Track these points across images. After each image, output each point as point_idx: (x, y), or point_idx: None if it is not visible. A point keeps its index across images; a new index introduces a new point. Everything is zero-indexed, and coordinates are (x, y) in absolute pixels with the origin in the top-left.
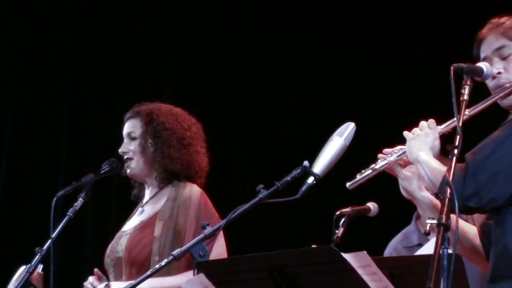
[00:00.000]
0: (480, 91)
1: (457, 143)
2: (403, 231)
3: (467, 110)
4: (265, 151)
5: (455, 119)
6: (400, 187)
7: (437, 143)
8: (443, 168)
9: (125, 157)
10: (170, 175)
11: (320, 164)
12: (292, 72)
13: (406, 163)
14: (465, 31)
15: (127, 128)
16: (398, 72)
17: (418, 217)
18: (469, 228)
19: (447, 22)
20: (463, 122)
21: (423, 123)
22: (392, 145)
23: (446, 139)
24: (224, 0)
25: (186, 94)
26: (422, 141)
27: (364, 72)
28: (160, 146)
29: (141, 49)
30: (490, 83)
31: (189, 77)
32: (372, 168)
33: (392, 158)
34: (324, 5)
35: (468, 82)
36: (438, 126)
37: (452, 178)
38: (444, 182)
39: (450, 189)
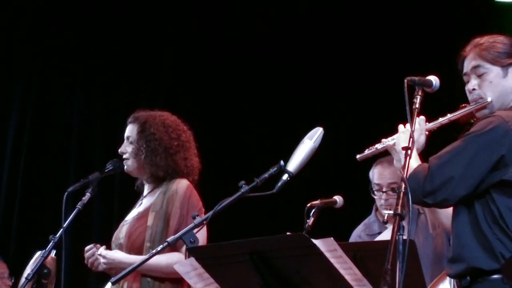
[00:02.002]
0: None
1: (410, 145)
2: (364, 221)
3: (448, 114)
4: (246, 151)
5: (441, 119)
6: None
7: (422, 138)
8: (415, 164)
9: (123, 156)
10: (156, 179)
11: (293, 163)
12: (271, 86)
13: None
14: (424, 46)
15: (127, 131)
16: (362, 82)
17: (377, 208)
18: (446, 210)
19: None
20: (445, 125)
21: (415, 120)
22: (354, 145)
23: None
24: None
25: (178, 98)
26: (409, 136)
27: (333, 82)
28: (149, 154)
29: (141, 57)
30: (468, 95)
31: (181, 81)
32: (375, 148)
33: (389, 142)
34: (302, 18)
35: (420, 93)
36: (426, 124)
37: (407, 175)
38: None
39: (405, 184)
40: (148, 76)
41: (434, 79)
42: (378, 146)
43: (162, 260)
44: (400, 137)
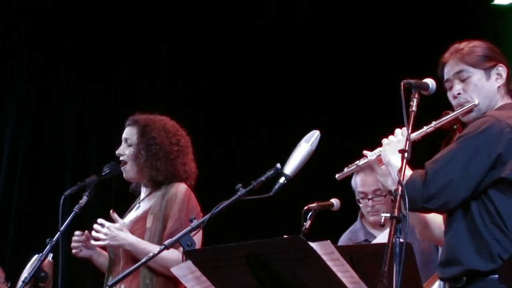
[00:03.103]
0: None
1: (406, 147)
2: (350, 229)
3: (433, 121)
4: (243, 154)
5: (425, 127)
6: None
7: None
8: (408, 173)
9: (120, 158)
10: (155, 183)
11: (290, 166)
12: (267, 90)
13: (383, 162)
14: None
15: (125, 133)
16: (359, 87)
17: (362, 215)
18: (435, 218)
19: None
20: (431, 132)
21: (397, 131)
22: (351, 148)
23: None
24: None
25: (174, 101)
26: (394, 147)
27: (330, 85)
28: (150, 158)
29: (138, 59)
30: (452, 101)
31: (178, 85)
32: (356, 164)
33: (372, 157)
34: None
35: (416, 96)
36: (411, 134)
37: (403, 178)
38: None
39: (401, 187)
40: (145, 79)
41: (430, 82)
42: (359, 162)
43: (167, 254)
44: (386, 149)
